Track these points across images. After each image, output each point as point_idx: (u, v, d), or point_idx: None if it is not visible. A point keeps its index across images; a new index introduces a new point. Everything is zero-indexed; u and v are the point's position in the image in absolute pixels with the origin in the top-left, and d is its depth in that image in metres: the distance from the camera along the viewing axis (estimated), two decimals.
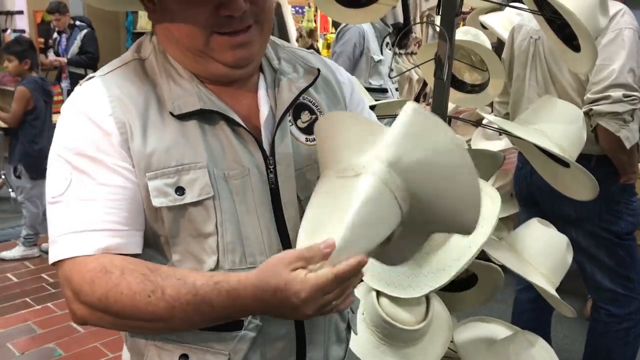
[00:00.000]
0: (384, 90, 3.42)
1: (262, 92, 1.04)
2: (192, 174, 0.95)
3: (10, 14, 7.24)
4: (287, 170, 1.03)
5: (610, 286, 2.37)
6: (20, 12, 7.09)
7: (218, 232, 0.96)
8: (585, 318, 3.05)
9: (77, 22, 6.55)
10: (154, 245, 0.98)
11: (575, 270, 2.14)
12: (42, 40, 7.23)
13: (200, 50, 0.96)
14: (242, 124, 0.99)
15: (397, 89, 3.71)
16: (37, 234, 4.25)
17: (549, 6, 1.72)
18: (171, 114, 0.96)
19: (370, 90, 3.32)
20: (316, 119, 1.09)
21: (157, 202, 0.94)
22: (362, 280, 0.91)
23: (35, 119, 4.21)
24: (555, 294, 1.71)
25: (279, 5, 6.11)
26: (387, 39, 3.53)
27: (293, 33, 7.09)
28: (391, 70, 3.43)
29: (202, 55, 0.96)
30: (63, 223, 0.93)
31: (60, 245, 0.93)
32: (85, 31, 6.49)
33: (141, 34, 1.11)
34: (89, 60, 6.43)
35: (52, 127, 4.23)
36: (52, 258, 0.94)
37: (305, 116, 1.08)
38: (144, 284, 0.88)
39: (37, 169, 4.08)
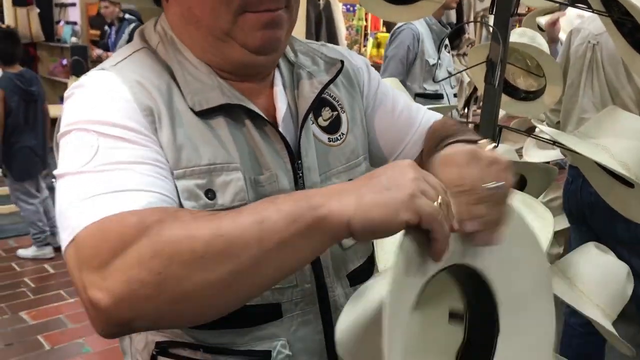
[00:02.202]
0: (439, 96, 3.23)
1: (278, 88, 0.93)
2: (224, 176, 0.82)
3: (63, 5, 7.36)
4: (315, 176, 0.91)
5: None
6: (73, 5, 7.20)
7: None
8: None
9: (127, 15, 6.55)
10: None
11: None
12: (96, 32, 7.31)
13: (224, 32, 0.83)
14: (269, 120, 0.87)
15: (455, 95, 3.49)
16: (44, 232, 4.04)
17: (618, 7, 1.54)
18: (192, 110, 0.83)
19: (424, 96, 3.16)
20: (337, 116, 0.97)
21: (188, 205, 0.79)
22: None
23: (9, 118, 3.85)
24: (613, 329, 1.53)
25: (328, 3, 6.01)
26: (446, 41, 3.33)
27: (343, 31, 6.99)
28: (449, 73, 3.23)
29: (225, 38, 0.83)
30: (87, 188, 0.69)
31: (84, 208, 0.67)
32: (133, 25, 6.48)
33: None
34: None
35: (39, 126, 4.02)
36: (72, 229, 0.67)
37: (327, 113, 0.97)
38: (208, 214, 0.67)
39: (17, 170, 3.88)
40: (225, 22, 0.82)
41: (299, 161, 0.90)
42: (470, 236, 0.70)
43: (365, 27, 7.52)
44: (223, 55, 0.86)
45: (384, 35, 6.77)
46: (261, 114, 0.86)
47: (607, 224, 2.14)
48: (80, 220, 0.67)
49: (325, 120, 0.96)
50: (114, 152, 0.73)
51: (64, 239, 0.68)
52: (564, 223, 2.64)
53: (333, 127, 0.96)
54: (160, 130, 0.79)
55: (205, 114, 0.83)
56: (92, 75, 0.85)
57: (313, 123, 0.95)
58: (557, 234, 2.70)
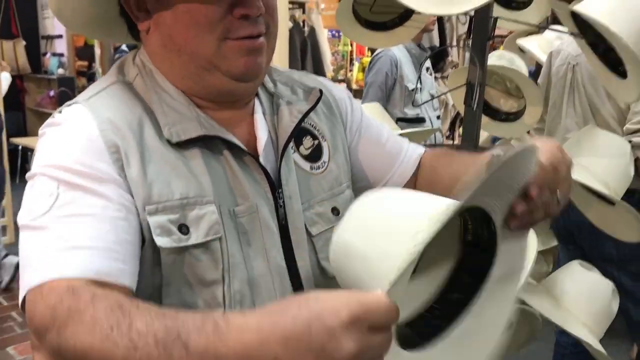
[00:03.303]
0: (420, 120, 3.26)
1: (258, 117, 0.93)
2: (197, 210, 0.81)
3: (50, 38, 7.38)
4: (296, 204, 0.91)
5: None
6: (60, 37, 7.22)
7: (224, 280, 0.82)
8: None
9: (124, 46, 6.57)
10: (138, 297, 0.80)
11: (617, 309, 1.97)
12: (83, 63, 7.32)
13: (207, 60, 0.84)
14: (248, 151, 0.87)
15: (438, 117, 3.51)
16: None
17: (591, 29, 1.57)
18: (168, 142, 0.83)
19: (405, 120, 3.19)
20: (318, 144, 0.98)
21: (161, 241, 0.79)
22: None
23: None
24: (600, 347, 1.53)
25: (313, 29, 6.08)
26: (428, 63, 3.38)
27: (328, 57, 7.05)
28: (432, 96, 3.26)
29: (208, 65, 0.84)
30: (41, 244, 0.73)
31: (35, 268, 0.72)
32: (118, 55, 6.51)
33: None
34: None
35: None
36: (23, 288, 0.71)
37: (308, 142, 0.97)
38: (112, 312, 0.64)
39: None
40: (208, 50, 0.83)
41: (280, 190, 0.90)
42: None
43: (351, 52, 7.58)
44: (204, 83, 0.86)
45: (369, 60, 6.84)
46: (240, 144, 0.87)
47: (595, 242, 2.14)
48: (27, 282, 0.72)
49: (306, 149, 0.96)
50: (70, 205, 0.75)
51: (23, 285, 0.73)
52: (551, 241, 2.65)
53: (315, 156, 0.97)
54: (128, 167, 0.79)
55: (182, 146, 0.84)
56: (64, 112, 0.86)
57: (295, 152, 0.95)
58: (545, 253, 2.70)
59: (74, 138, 0.80)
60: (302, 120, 0.94)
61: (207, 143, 0.86)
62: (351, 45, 7.52)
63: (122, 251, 0.75)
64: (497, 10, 1.66)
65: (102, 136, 0.80)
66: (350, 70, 7.51)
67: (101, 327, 0.63)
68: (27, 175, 0.81)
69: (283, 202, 0.90)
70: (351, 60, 7.60)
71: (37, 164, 0.80)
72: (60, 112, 0.86)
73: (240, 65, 0.85)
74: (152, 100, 0.86)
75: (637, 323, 2.22)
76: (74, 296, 0.67)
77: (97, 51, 7.12)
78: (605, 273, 1.75)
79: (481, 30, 1.58)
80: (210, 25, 0.81)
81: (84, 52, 7.24)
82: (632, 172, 1.70)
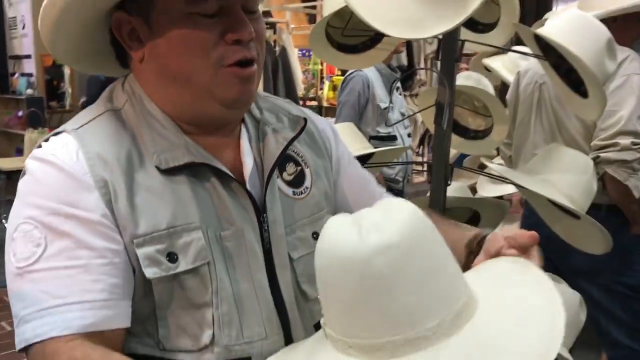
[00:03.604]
0: (392, 138, 3.34)
1: (244, 143, 0.95)
2: (185, 237, 0.84)
3: (18, 58, 7.29)
4: (280, 229, 0.94)
5: (628, 343, 2.24)
6: (28, 57, 7.14)
7: (213, 303, 0.85)
8: None
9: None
10: (133, 321, 0.85)
11: (587, 319, 2.02)
12: (53, 82, 7.24)
13: (203, 86, 0.85)
14: (235, 177, 0.89)
15: (409, 135, 3.60)
16: None
17: (554, 51, 1.65)
18: (157, 168, 0.85)
19: (378, 138, 3.25)
20: (301, 170, 1.01)
21: (149, 272, 0.81)
22: None
23: None
24: (570, 357, 1.58)
25: (284, 49, 6.14)
26: (397, 84, 3.46)
27: (299, 75, 7.11)
28: (403, 115, 3.34)
29: (202, 93, 0.86)
30: (35, 298, 0.77)
31: (32, 325, 0.77)
32: (91, 74, 6.47)
33: None
34: (86, 105, 6.27)
35: None
36: (21, 342, 0.77)
37: (291, 168, 1.00)
38: None
39: None
40: (205, 76, 0.85)
41: (265, 215, 0.92)
42: None
43: (321, 71, 7.66)
44: (197, 110, 0.88)
45: (339, 79, 6.90)
46: (227, 171, 0.89)
47: (565, 256, 2.18)
48: (28, 334, 0.77)
49: (289, 175, 0.99)
50: (58, 256, 0.78)
51: (20, 339, 0.78)
52: None
53: (297, 182, 0.99)
54: (116, 202, 0.81)
55: (170, 172, 0.86)
56: (52, 142, 0.87)
57: (278, 177, 0.97)
58: None
59: (62, 175, 0.82)
60: (287, 147, 0.96)
61: (195, 169, 0.87)
62: (321, 64, 7.59)
63: (111, 297, 0.79)
64: (464, 33, 1.72)
65: (91, 172, 0.82)
66: (321, 89, 7.58)
67: None
68: (11, 223, 0.83)
69: (267, 226, 0.92)
70: (322, 78, 7.68)
71: (20, 208, 0.82)
72: (47, 140, 0.88)
73: (234, 93, 0.87)
74: (141, 127, 0.88)
75: (606, 333, 2.28)
76: None
77: (67, 71, 7.07)
78: (575, 285, 1.80)
79: (449, 53, 1.64)
80: (204, 52, 0.83)
81: (53, 71, 7.18)
82: (595, 187, 1.76)
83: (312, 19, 7.55)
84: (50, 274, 0.78)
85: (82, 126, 0.88)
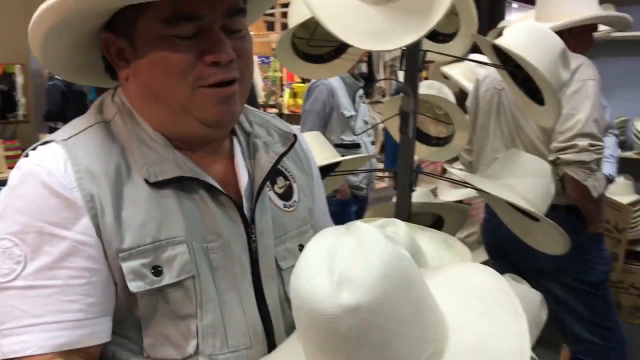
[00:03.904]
0: (356, 146, 3.41)
1: (239, 158, 0.97)
2: (170, 251, 0.85)
3: None
4: (268, 239, 0.96)
5: (589, 337, 2.33)
6: None
7: (197, 315, 0.87)
8: None
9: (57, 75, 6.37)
10: (120, 330, 0.87)
11: (547, 318, 2.09)
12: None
13: (182, 106, 0.87)
14: (224, 191, 0.91)
15: (372, 143, 3.67)
16: None
17: (511, 60, 1.72)
18: (146, 181, 0.86)
19: (342, 146, 3.30)
20: (290, 185, 1.04)
21: (134, 286, 0.83)
22: None
23: None
24: (532, 354, 1.64)
25: None
26: (361, 92, 3.52)
27: (259, 83, 7.12)
28: (366, 123, 3.41)
29: (182, 112, 0.87)
30: (13, 315, 0.80)
31: (9, 341, 0.79)
32: (50, 83, 6.30)
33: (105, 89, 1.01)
34: (47, 115, 6.03)
35: None
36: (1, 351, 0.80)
37: (281, 182, 1.02)
38: None
39: None
40: (182, 97, 0.86)
41: (253, 226, 0.94)
42: None
43: (281, 78, 7.69)
44: (179, 129, 0.90)
45: (299, 86, 6.95)
46: (216, 185, 0.90)
47: (528, 257, 2.22)
48: (5, 349, 0.79)
49: (280, 188, 1.02)
50: (36, 275, 0.80)
51: None
52: (482, 256, 2.79)
53: (287, 195, 1.02)
54: (102, 217, 0.83)
55: (159, 185, 0.87)
56: (39, 151, 0.87)
57: (270, 190, 0.99)
58: None
59: (47, 192, 0.82)
60: (278, 160, 0.99)
61: (184, 183, 0.89)
62: (281, 71, 7.62)
63: (87, 316, 0.81)
64: (426, 43, 1.78)
65: (78, 186, 0.83)
66: (281, 96, 7.61)
67: None
68: None
69: (255, 237, 0.94)
70: (282, 86, 7.71)
71: (9, 219, 0.82)
72: (34, 149, 0.88)
73: (212, 113, 0.88)
74: (131, 139, 0.89)
75: (569, 329, 2.37)
76: None
77: (19, 80, 6.89)
78: (540, 285, 1.85)
79: (413, 63, 1.69)
80: (181, 73, 0.85)
81: (5, 80, 6.98)
82: (553, 190, 1.84)
83: (270, 26, 7.59)
84: (28, 292, 0.80)
85: (71, 137, 0.88)
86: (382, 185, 6.37)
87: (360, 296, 0.70)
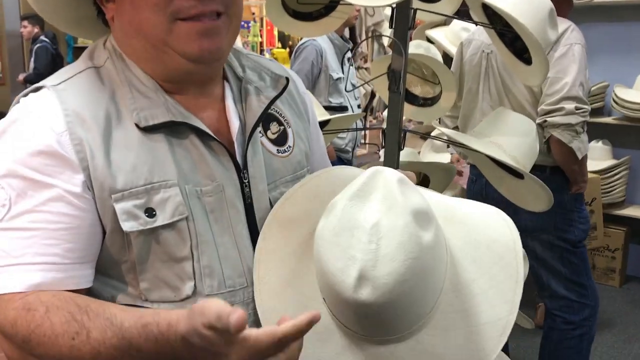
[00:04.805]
0: (344, 108, 3.41)
1: (230, 103, 0.98)
2: (162, 193, 0.87)
3: None
4: (261, 184, 0.97)
5: (565, 294, 2.41)
6: None
7: (193, 256, 0.89)
8: (536, 326, 3.08)
9: (42, 36, 6.21)
10: (116, 275, 0.89)
11: (529, 274, 2.15)
12: None
13: (162, 41, 0.86)
14: (214, 136, 0.91)
15: (359, 106, 3.67)
16: None
17: (499, 19, 1.73)
18: (137, 126, 0.87)
19: (330, 108, 3.30)
20: (284, 130, 1.04)
21: (127, 226, 0.85)
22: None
23: None
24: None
25: None
26: (349, 54, 3.51)
27: (239, 47, 7.02)
28: (353, 86, 3.40)
29: (163, 47, 0.87)
30: None
31: None
32: (38, 45, 6.17)
33: (83, 48, 1.01)
34: (34, 77, 5.90)
35: None
36: None
37: (275, 127, 1.03)
38: (68, 324, 0.77)
39: None
40: (160, 31, 0.86)
41: (245, 171, 0.95)
42: None
43: (261, 43, 7.60)
44: (164, 65, 0.89)
45: (279, 51, 6.88)
46: (207, 130, 0.91)
47: (512, 215, 2.28)
48: None
49: (273, 134, 1.02)
50: (19, 218, 0.82)
51: None
52: None
53: (280, 140, 1.03)
54: (92, 160, 0.84)
55: (150, 130, 0.88)
56: (30, 98, 0.88)
57: (262, 135, 1.00)
58: None
59: (35, 140, 0.83)
60: (269, 106, 0.99)
61: (174, 128, 0.90)
62: (261, 36, 7.53)
63: (64, 261, 0.83)
64: (415, 3, 1.78)
65: (68, 130, 0.84)
66: None
67: (63, 339, 0.77)
68: None
69: (248, 182, 0.95)
70: (261, 51, 7.62)
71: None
72: (26, 95, 0.88)
73: (195, 47, 0.87)
74: (121, 84, 0.89)
75: (547, 285, 2.44)
76: (29, 312, 0.79)
77: None
78: (522, 243, 1.90)
79: (403, 21, 1.69)
80: (157, 5, 0.84)
81: None
82: (537, 149, 1.87)
83: None
84: (9, 234, 0.82)
85: (61, 82, 0.89)
86: (363, 152, 6.40)
87: (378, 296, 0.78)
